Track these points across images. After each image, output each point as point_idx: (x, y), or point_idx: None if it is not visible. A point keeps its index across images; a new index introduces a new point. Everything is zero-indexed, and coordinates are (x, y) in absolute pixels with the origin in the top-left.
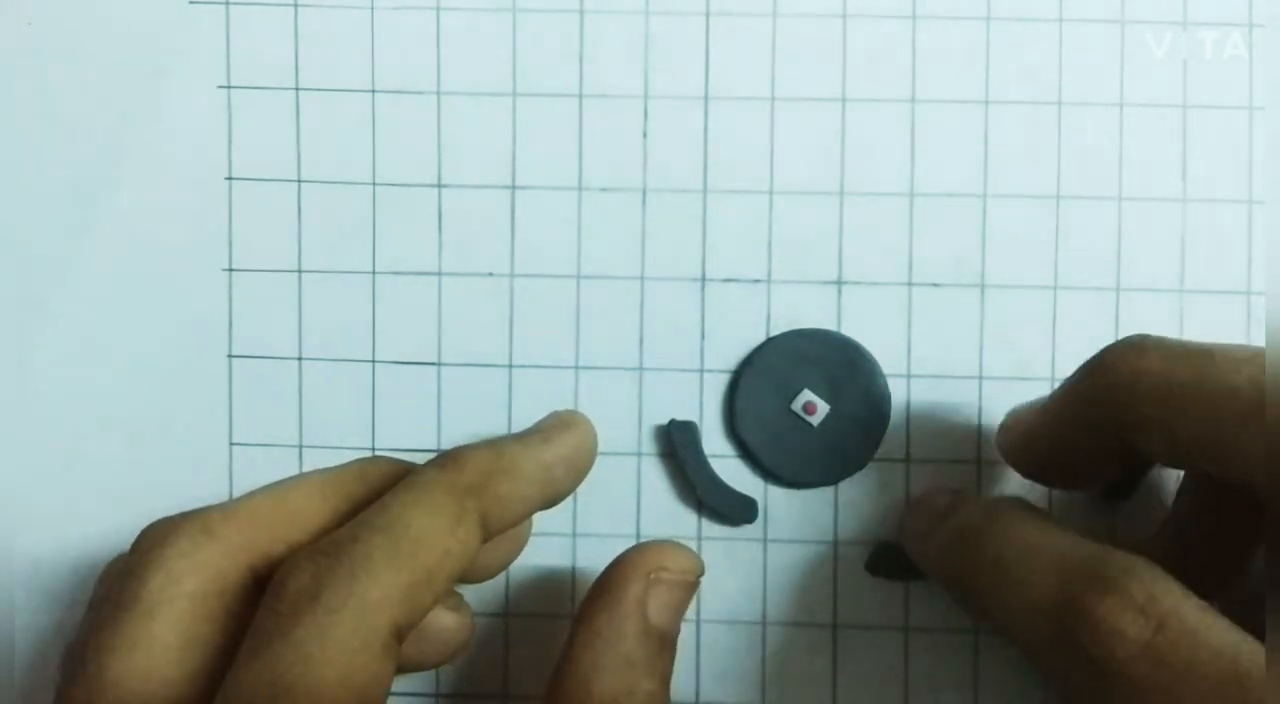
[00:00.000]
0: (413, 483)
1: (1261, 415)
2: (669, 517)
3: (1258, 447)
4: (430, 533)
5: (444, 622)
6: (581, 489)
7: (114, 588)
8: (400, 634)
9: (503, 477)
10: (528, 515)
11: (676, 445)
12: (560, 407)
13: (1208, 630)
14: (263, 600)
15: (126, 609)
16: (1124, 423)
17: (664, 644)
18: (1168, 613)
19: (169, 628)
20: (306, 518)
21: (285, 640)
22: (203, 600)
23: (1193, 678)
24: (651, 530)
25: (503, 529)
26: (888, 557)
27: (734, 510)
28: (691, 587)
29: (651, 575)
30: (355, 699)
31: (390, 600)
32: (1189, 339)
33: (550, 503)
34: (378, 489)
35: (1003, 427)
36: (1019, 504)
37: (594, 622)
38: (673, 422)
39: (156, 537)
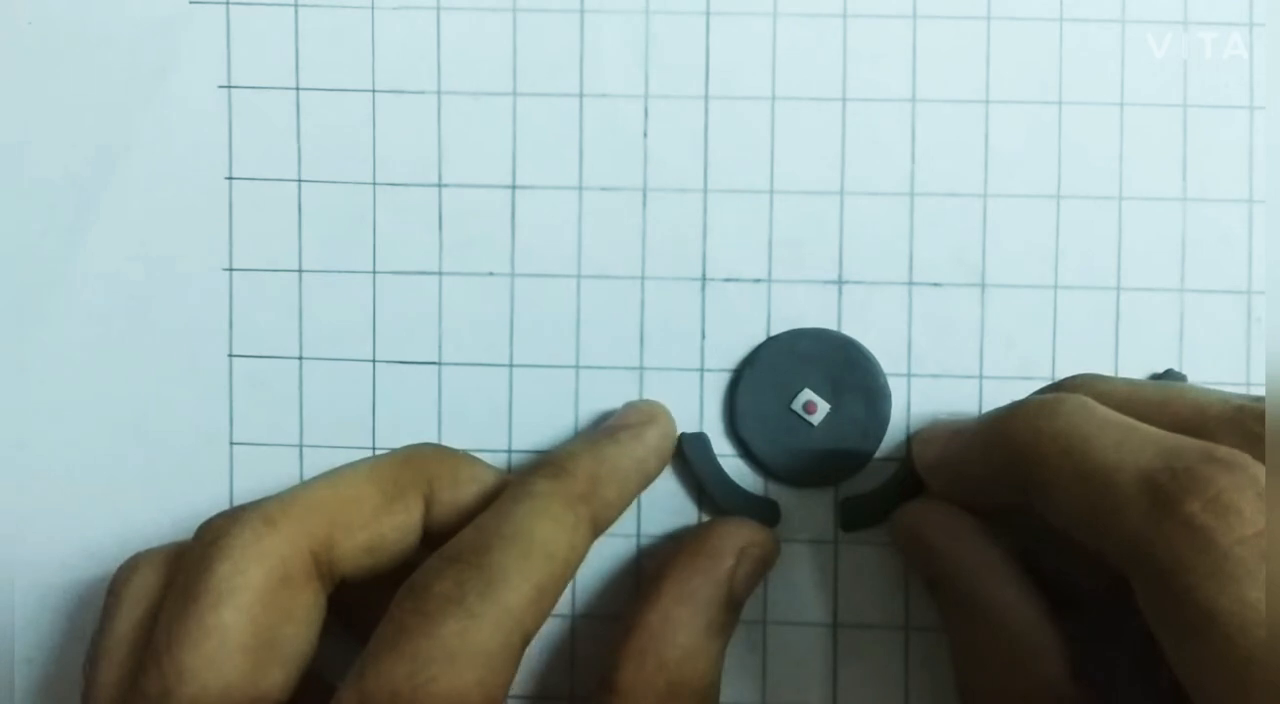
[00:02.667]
0: (529, 493)
1: (1133, 513)
2: (670, 516)
3: (1128, 544)
4: (552, 542)
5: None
6: None
7: (179, 580)
8: (527, 641)
9: (607, 481)
10: (626, 509)
11: (690, 458)
12: (561, 407)
13: None
14: (399, 600)
15: (195, 600)
16: (1017, 479)
17: (736, 614)
18: None
19: (238, 616)
20: (360, 504)
21: (430, 638)
22: (268, 588)
23: None
24: (652, 529)
25: (607, 528)
26: (859, 508)
27: (755, 515)
28: (770, 565)
29: (743, 550)
30: (486, 700)
31: (524, 608)
32: (1140, 383)
33: (640, 493)
34: (424, 474)
35: (919, 439)
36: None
37: (690, 582)
38: (684, 435)
39: (219, 528)
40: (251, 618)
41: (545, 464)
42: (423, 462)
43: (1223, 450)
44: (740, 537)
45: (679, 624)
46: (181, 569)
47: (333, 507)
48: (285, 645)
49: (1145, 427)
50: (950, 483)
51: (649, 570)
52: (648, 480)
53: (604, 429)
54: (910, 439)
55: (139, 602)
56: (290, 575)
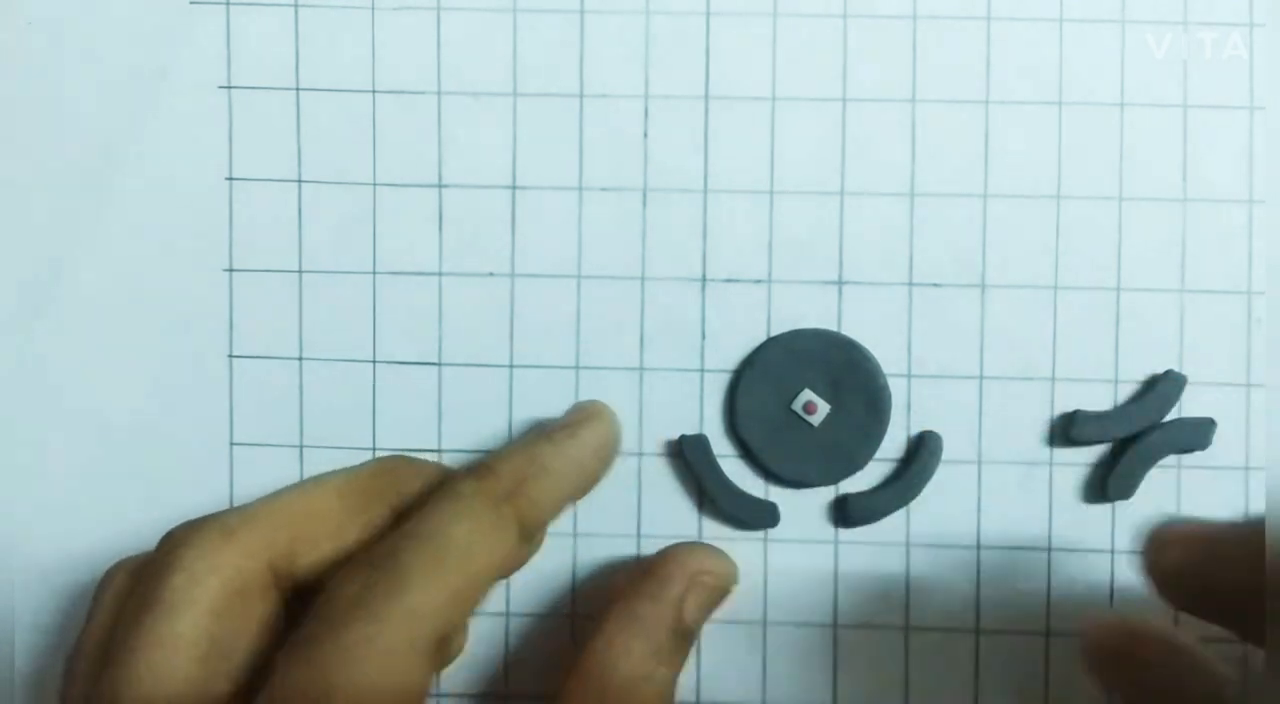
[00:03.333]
0: (452, 494)
1: None
2: (670, 516)
3: None
4: (471, 542)
5: None
6: None
7: (138, 589)
8: (443, 642)
9: (536, 479)
10: (564, 511)
11: (690, 461)
12: (561, 407)
13: None
14: (312, 608)
15: (149, 609)
16: None
17: (687, 641)
18: None
19: (190, 627)
20: (325, 517)
21: (334, 644)
22: (223, 600)
23: None
24: (652, 530)
25: (541, 528)
26: (859, 504)
27: (756, 517)
28: (726, 593)
29: (695, 577)
30: (395, 703)
31: (434, 609)
32: None
33: (583, 494)
34: (394, 486)
35: (1157, 539)
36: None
37: (636, 607)
38: (684, 437)
39: (179, 538)
40: (203, 629)
41: (474, 465)
42: (393, 473)
43: None
44: (693, 563)
45: (622, 651)
46: (141, 577)
47: (297, 519)
48: (239, 657)
49: None
50: (1194, 596)
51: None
52: (588, 479)
53: (542, 429)
54: (1147, 539)
55: (112, 607)
56: (247, 587)
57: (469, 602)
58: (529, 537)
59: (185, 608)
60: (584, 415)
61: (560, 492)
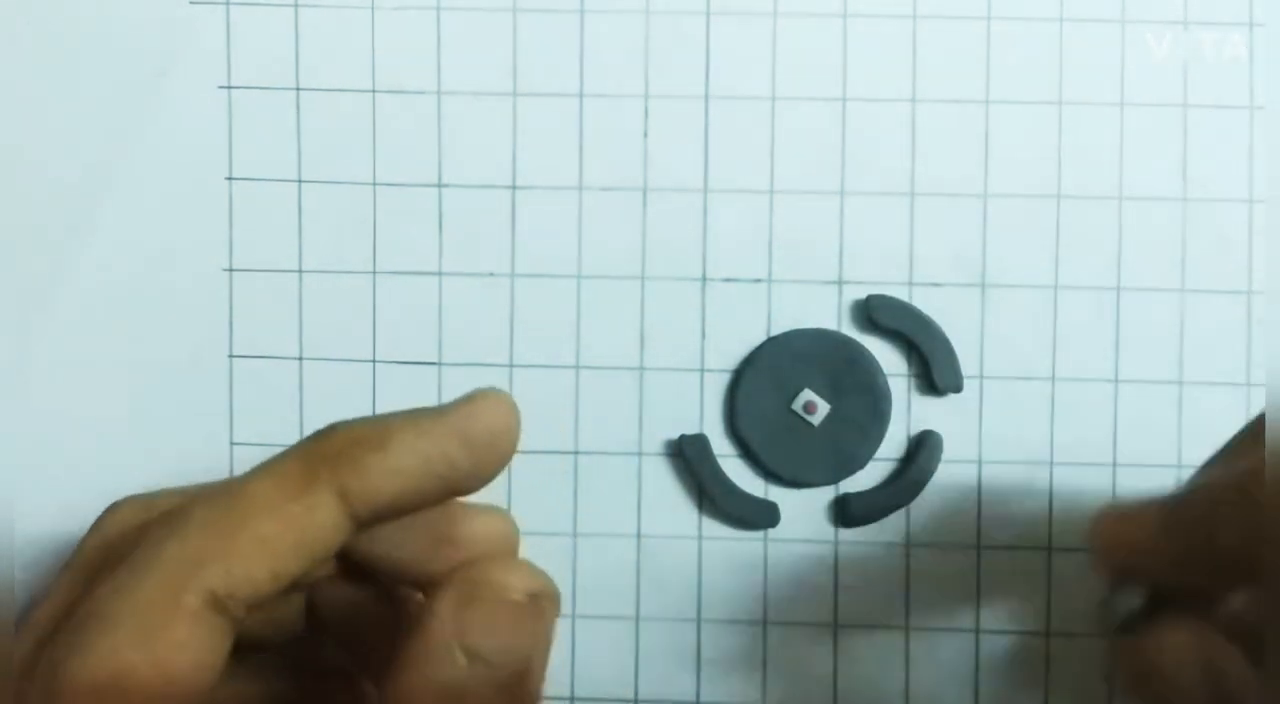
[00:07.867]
0: (278, 453)
1: None
2: (670, 516)
3: None
4: (267, 499)
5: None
6: (581, 489)
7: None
8: (221, 602)
9: (371, 447)
10: (412, 494)
11: (690, 460)
12: (561, 406)
13: None
14: None
15: (62, 568)
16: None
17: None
18: None
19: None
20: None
21: (91, 597)
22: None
23: None
24: (652, 530)
25: (375, 505)
26: (859, 504)
27: (756, 517)
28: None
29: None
30: (152, 663)
31: (202, 559)
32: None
33: (452, 487)
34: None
35: (1097, 517)
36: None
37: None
38: (683, 437)
39: (108, 508)
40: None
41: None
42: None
43: None
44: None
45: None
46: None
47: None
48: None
49: None
50: (1128, 565)
51: None
52: (446, 465)
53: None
54: (1092, 521)
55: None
56: None
57: (259, 562)
58: (356, 512)
59: (85, 570)
60: (467, 399)
61: (400, 468)
